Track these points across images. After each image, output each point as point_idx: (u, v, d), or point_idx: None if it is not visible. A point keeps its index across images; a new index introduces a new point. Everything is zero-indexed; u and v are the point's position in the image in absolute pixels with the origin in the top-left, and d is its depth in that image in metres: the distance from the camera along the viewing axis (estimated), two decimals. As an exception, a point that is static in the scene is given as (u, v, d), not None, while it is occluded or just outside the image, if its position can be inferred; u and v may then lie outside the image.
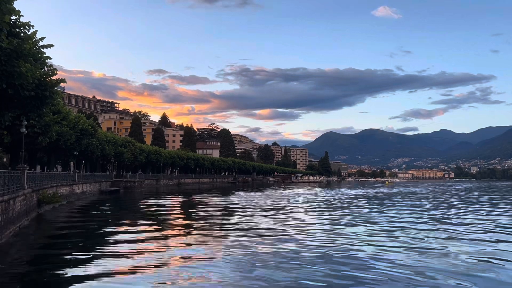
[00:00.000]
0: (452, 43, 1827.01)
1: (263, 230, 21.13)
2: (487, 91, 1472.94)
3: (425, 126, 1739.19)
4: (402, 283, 11.29)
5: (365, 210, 34.37)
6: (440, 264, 13.58)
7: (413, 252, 15.58)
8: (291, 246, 16.56)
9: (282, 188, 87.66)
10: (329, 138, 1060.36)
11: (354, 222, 25.09)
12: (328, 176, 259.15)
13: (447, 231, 21.42)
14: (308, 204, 41.05)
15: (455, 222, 25.84)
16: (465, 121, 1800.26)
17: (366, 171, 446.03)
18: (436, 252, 15.61)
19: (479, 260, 14.30)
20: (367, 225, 23.89)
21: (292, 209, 35.09)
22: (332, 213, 31.89)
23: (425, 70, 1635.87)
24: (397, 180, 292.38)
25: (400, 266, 13.10)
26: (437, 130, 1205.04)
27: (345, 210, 34.21)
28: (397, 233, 20.44)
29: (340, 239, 18.56)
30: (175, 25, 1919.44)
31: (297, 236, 19.18)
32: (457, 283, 11.33)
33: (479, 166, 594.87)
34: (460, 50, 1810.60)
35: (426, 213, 32.73)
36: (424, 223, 25.30)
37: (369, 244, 17.13)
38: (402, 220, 26.94)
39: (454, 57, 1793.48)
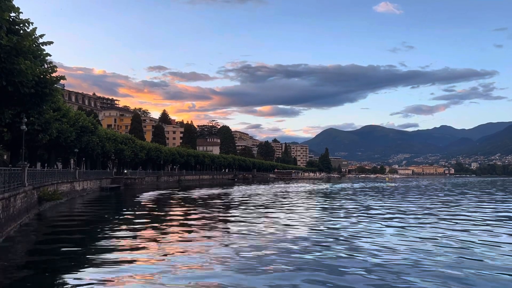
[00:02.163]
0: (455, 38, 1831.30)
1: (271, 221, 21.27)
2: (489, 87, 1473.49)
3: (426, 122, 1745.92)
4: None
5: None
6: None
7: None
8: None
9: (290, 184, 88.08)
10: (330, 135, 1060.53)
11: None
12: (328, 172, 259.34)
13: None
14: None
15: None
16: (466, 117, 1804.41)
17: (366, 167, 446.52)
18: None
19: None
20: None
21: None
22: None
23: (428, 65, 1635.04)
24: (398, 176, 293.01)
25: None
26: (438, 126, 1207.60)
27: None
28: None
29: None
30: (176, 21, 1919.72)
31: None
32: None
33: (479, 162, 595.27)
34: (464, 45, 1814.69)
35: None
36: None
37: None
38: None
39: (458, 52, 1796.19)
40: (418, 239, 17.24)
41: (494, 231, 19.95)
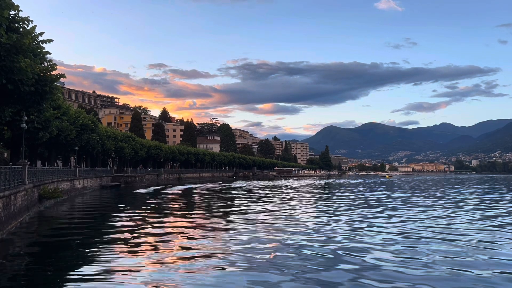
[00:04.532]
0: (459, 35, 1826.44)
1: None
2: (492, 84, 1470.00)
3: (426, 120, 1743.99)
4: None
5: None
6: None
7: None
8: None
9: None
10: (330, 132, 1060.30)
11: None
12: (328, 170, 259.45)
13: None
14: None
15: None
16: (466, 114, 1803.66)
17: (366, 165, 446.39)
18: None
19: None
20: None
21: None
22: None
23: (432, 62, 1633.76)
24: (398, 173, 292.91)
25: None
26: (438, 123, 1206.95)
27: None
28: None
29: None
30: (176, 18, 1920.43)
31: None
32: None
33: (479, 159, 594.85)
34: (468, 42, 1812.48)
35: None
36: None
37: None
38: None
39: (462, 49, 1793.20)
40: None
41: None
